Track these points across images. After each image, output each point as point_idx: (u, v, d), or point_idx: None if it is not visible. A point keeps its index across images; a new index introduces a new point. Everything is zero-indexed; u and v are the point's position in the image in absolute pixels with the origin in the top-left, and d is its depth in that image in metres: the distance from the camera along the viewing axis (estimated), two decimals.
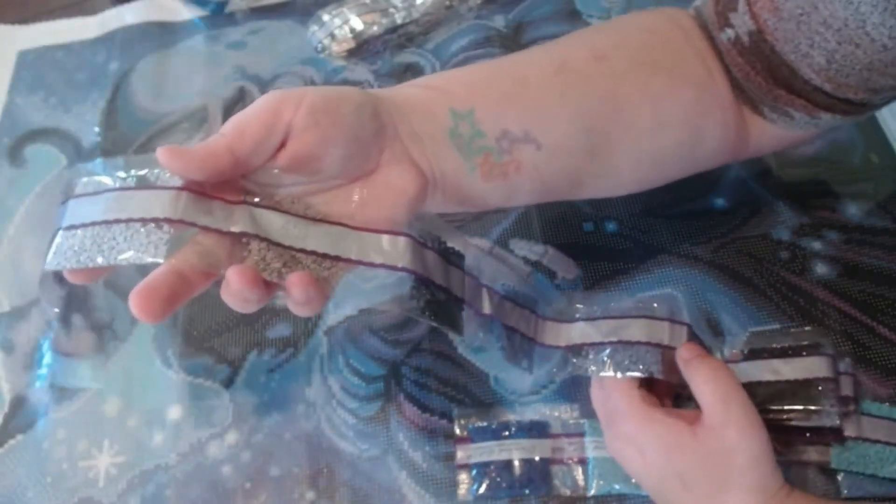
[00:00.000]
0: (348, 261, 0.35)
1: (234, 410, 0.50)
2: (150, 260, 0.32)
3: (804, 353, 0.44)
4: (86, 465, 0.49)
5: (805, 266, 0.50)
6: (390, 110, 0.37)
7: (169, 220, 0.32)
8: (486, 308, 0.40)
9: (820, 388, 0.42)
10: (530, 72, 0.40)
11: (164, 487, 0.48)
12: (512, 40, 0.67)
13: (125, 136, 0.66)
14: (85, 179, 0.34)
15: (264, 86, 0.67)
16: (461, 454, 0.46)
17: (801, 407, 0.42)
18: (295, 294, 0.33)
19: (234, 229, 0.33)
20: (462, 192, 0.39)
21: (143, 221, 0.32)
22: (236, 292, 0.33)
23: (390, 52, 0.68)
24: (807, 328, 0.47)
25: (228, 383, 0.51)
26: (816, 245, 0.51)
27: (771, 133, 0.43)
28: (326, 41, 0.68)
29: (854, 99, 0.39)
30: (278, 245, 0.34)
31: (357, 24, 0.67)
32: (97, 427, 0.51)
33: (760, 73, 0.40)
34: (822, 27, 0.36)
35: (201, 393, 0.51)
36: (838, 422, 0.41)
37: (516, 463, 0.45)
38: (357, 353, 0.51)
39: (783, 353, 0.44)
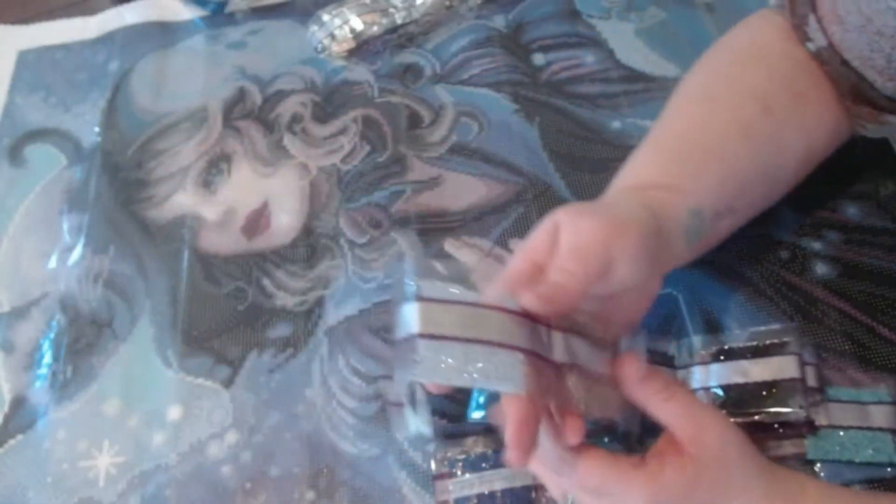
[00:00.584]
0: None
1: (234, 410, 0.50)
2: (511, 390, 0.32)
3: (771, 353, 0.44)
4: (86, 465, 0.49)
5: (805, 266, 0.50)
6: (660, 226, 0.39)
7: (529, 352, 0.33)
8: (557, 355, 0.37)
9: (788, 388, 0.42)
10: (727, 146, 0.44)
11: (164, 487, 0.48)
12: (512, 40, 0.67)
13: (125, 136, 0.66)
14: (429, 283, 0.34)
15: (264, 86, 0.67)
16: (440, 490, 0.45)
17: (770, 410, 0.42)
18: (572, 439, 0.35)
19: (562, 359, 0.35)
20: (673, 266, 0.42)
21: (503, 347, 0.33)
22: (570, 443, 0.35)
23: (390, 52, 0.68)
24: (773, 326, 0.47)
25: (228, 383, 0.51)
26: (816, 245, 0.51)
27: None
28: (326, 41, 0.68)
29: None
30: (589, 374, 0.35)
31: (357, 24, 0.68)
32: (97, 427, 0.51)
33: (833, 83, 0.44)
34: (877, 36, 0.40)
35: (201, 393, 0.51)
36: (805, 415, 0.41)
37: (498, 494, 0.44)
38: (357, 353, 0.51)
39: (752, 353, 0.44)
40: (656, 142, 0.46)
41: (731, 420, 0.38)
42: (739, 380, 0.44)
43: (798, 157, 0.46)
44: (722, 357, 0.46)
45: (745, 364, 0.44)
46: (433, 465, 0.46)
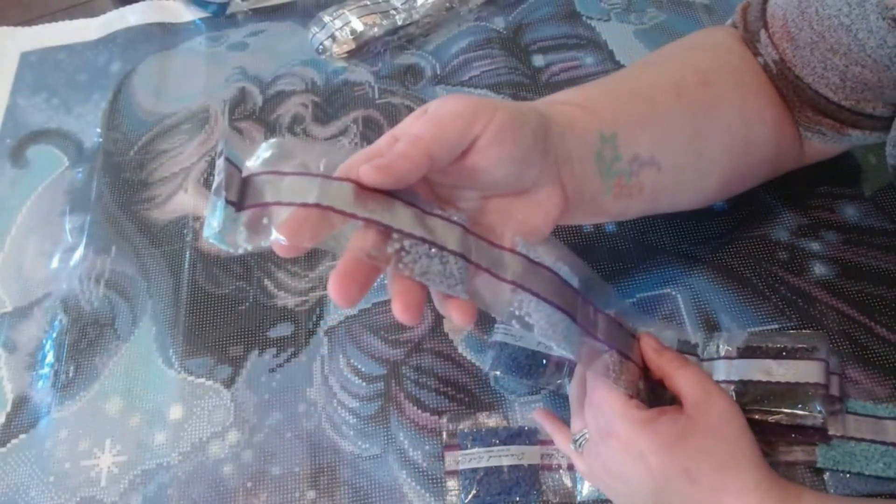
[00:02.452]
0: (488, 271, 0.35)
1: (235, 410, 0.50)
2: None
3: (798, 356, 0.44)
4: (88, 465, 0.49)
5: (804, 266, 0.50)
6: (555, 131, 0.37)
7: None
8: (600, 333, 0.39)
9: (809, 393, 0.42)
10: (657, 95, 0.42)
11: (166, 487, 0.48)
12: (512, 42, 0.67)
13: (127, 137, 0.66)
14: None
15: (265, 87, 0.67)
16: (449, 460, 0.46)
17: (787, 411, 0.42)
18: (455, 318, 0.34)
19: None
20: (591, 210, 0.41)
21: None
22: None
23: (391, 53, 0.68)
24: (805, 331, 0.47)
25: (230, 383, 0.51)
26: (815, 245, 0.51)
27: (811, 146, 0.47)
28: (327, 43, 0.68)
29: (875, 113, 0.42)
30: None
31: (358, 25, 0.68)
32: (99, 426, 0.51)
33: (789, 96, 0.43)
34: (829, 53, 0.40)
35: (202, 392, 0.51)
36: (821, 421, 0.41)
37: (505, 470, 0.45)
38: (357, 353, 0.51)
39: (778, 354, 0.44)
40: (583, 85, 0.44)
41: (747, 416, 0.38)
42: (762, 378, 0.43)
43: (735, 143, 0.43)
44: (748, 354, 0.45)
45: (770, 363, 0.44)
46: (444, 436, 0.47)
